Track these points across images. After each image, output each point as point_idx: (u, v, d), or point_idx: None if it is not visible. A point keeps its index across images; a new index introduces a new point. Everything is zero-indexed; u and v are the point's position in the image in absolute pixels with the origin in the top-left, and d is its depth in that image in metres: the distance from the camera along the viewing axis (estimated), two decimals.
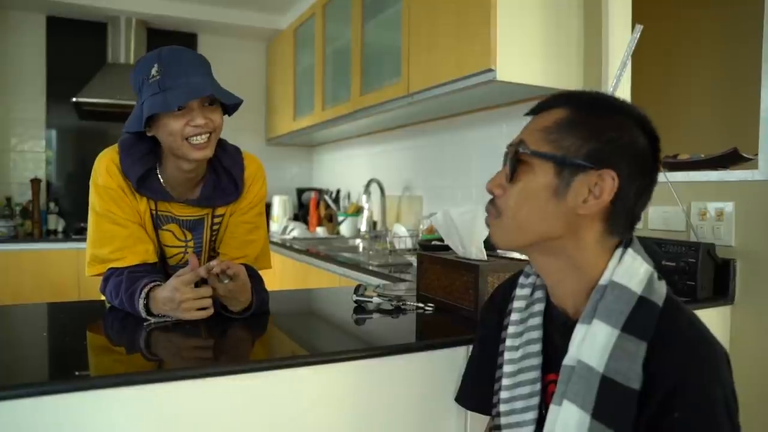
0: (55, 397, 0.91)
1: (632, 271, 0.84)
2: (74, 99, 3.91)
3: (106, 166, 1.40)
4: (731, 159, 1.86)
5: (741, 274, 1.70)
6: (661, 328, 0.80)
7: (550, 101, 0.90)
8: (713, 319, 1.68)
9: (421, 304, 1.50)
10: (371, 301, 1.49)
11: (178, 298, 1.25)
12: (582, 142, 0.83)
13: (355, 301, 1.50)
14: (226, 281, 1.27)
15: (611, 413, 0.79)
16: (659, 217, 1.92)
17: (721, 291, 1.71)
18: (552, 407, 0.86)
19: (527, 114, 0.93)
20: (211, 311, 1.30)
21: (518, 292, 1.01)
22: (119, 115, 3.67)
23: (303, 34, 4.14)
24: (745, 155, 1.84)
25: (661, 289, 0.84)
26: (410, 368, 1.20)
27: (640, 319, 0.81)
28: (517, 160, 0.87)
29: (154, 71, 1.29)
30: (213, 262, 1.27)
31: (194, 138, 1.32)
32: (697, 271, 1.65)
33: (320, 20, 3.74)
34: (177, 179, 1.43)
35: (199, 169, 1.43)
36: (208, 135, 1.33)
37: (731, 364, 0.82)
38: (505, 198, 0.88)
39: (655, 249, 1.76)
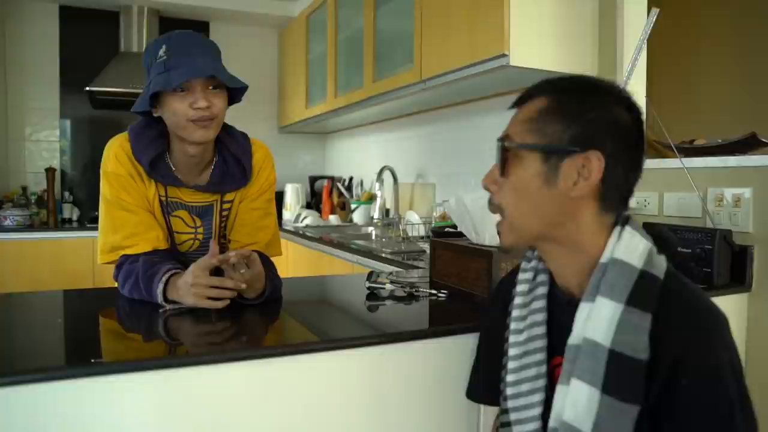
0: (70, 382, 0.92)
1: (632, 247, 0.85)
2: (87, 88, 3.92)
3: (115, 153, 1.41)
4: (749, 144, 1.83)
5: (759, 260, 1.68)
6: (663, 299, 0.82)
7: (531, 91, 0.93)
8: (730, 306, 1.66)
9: (434, 291, 1.50)
10: (384, 288, 1.49)
11: (190, 281, 1.25)
12: (564, 127, 0.86)
13: (368, 288, 1.50)
14: (243, 270, 1.27)
15: (621, 386, 0.80)
16: (675, 203, 1.89)
17: (738, 278, 1.69)
18: (559, 387, 0.86)
19: (511, 107, 0.95)
20: (224, 303, 1.27)
21: (520, 276, 1.02)
22: (132, 104, 3.70)
23: (315, 20, 4.12)
24: (764, 140, 1.81)
25: (661, 262, 0.86)
26: (423, 354, 1.20)
27: (642, 291, 0.82)
28: (505, 154, 0.90)
29: (161, 52, 1.31)
30: (230, 253, 1.26)
31: (196, 122, 1.33)
32: (714, 257, 1.63)
33: (332, 7, 3.72)
34: (184, 163, 1.44)
35: (205, 153, 1.44)
36: (210, 119, 1.34)
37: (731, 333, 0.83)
38: (501, 194, 0.92)
39: (671, 235, 1.74)
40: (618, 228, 0.88)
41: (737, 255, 1.68)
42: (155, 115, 1.39)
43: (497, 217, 0.95)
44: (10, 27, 4.21)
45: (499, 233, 0.95)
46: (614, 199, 0.88)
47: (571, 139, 0.85)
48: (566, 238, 0.89)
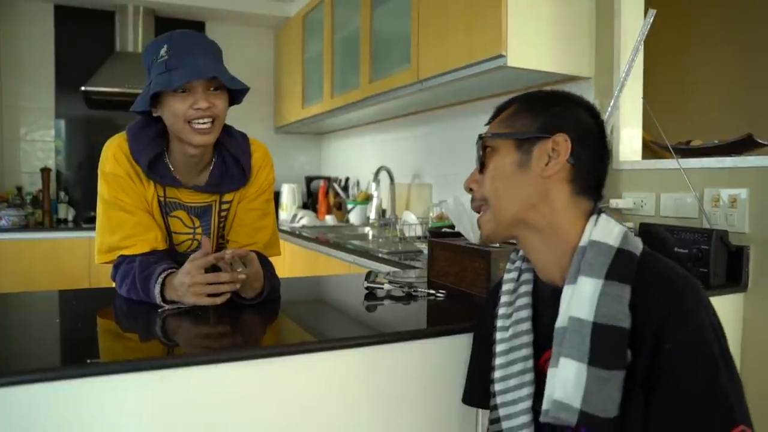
0: (67, 383, 0.92)
1: (608, 230, 0.91)
2: (83, 88, 3.91)
3: (113, 153, 1.40)
4: (746, 145, 1.84)
5: (755, 261, 1.68)
6: (640, 272, 0.87)
7: (504, 104, 1.03)
8: (726, 306, 1.67)
9: (432, 291, 1.49)
10: (382, 288, 1.49)
11: (187, 281, 1.25)
12: (533, 119, 0.96)
13: (366, 288, 1.50)
14: (239, 270, 1.27)
15: (605, 355, 0.83)
16: (671, 203, 1.90)
17: (734, 278, 1.69)
18: (549, 371, 0.89)
19: (487, 124, 1.04)
20: (223, 299, 1.28)
21: (505, 276, 1.07)
22: (128, 104, 3.69)
23: (311, 21, 4.11)
24: (760, 141, 1.82)
25: (637, 242, 0.91)
26: (422, 354, 1.20)
27: (620, 266, 0.87)
28: (483, 148, 0.99)
29: (163, 51, 1.30)
30: (227, 251, 1.26)
31: (196, 122, 1.32)
32: (710, 258, 1.63)
33: (329, 7, 3.72)
34: (183, 164, 1.43)
35: (205, 154, 1.44)
36: (210, 120, 1.33)
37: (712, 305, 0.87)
38: (482, 188, 0.99)
39: (667, 236, 1.74)
40: (594, 216, 0.93)
41: (733, 255, 1.68)
42: (155, 115, 1.38)
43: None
44: (5, 26, 4.20)
45: (479, 226, 1.02)
46: (584, 182, 0.95)
47: (540, 128, 0.95)
48: (542, 223, 0.95)
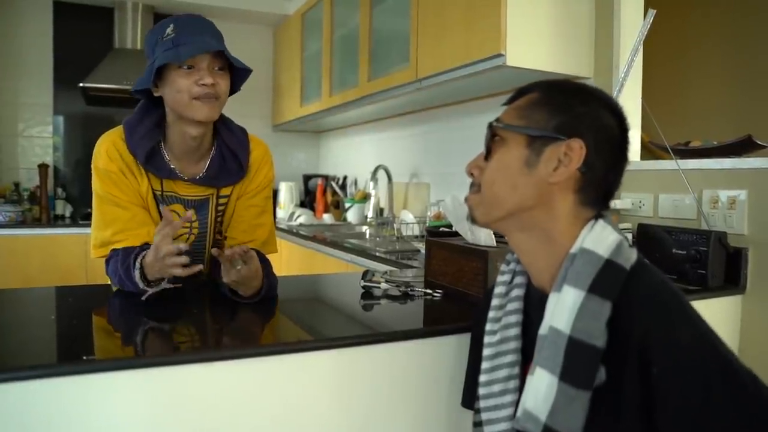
0: (62, 380, 0.91)
1: (602, 238, 0.86)
2: (81, 84, 3.90)
3: (106, 149, 1.40)
4: (745, 146, 1.83)
5: (753, 262, 1.68)
6: (625, 288, 0.82)
7: (525, 88, 0.96)
8: (724, 308, 1.67)
9: (429, 290, 1.49)
10: (379, 287, 1.48)
11: (161, 253, 1.22)
12: (551, 116, 0.89)
13: (363, 287, 1.50)
14: (239, 267, 1.25)
15: (576, 373, 0.80)
16: (669, 204, 1.90)
17: (732, 280, 1.69)
18: (528, 378, 0.87)
19: (504, 104, 0.98)
20: (195, 269, 1.23)
21: (498, 279, 1.03)
22: (126, 101, 3.65)
23: (310, 19, 4.11)
24: (759, 142, 1.81)
25: (631, 255, 0.85)
26: (418, 354, 1.19)
27: (605, 280, 0.82)
28: (492, 136, 0.93)
29: (169, 30, 1.33)
30: (228, 250, 1.24)
31: (200, 99, 1.32)
32: (709, 259, 1.63)
33: (328, 5, 3.71)
34: (182, 149, 1.43)
35: (204, 139, 1.43)
36: (214, 100, 1.34)
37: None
38: (482, 176, 0.93)
39: (665, 237, 1.74)
40: (591, 222, 0.89)
41: (732, 257, 1.68)
42: (156, 95, 1.37)
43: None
44: (4, 22, 4.18)
45: (469, 207, 0.97)
46: (592, 193, 0.89)
47: (556, 127, 0.88)
48: (537, 227, 0.90)
